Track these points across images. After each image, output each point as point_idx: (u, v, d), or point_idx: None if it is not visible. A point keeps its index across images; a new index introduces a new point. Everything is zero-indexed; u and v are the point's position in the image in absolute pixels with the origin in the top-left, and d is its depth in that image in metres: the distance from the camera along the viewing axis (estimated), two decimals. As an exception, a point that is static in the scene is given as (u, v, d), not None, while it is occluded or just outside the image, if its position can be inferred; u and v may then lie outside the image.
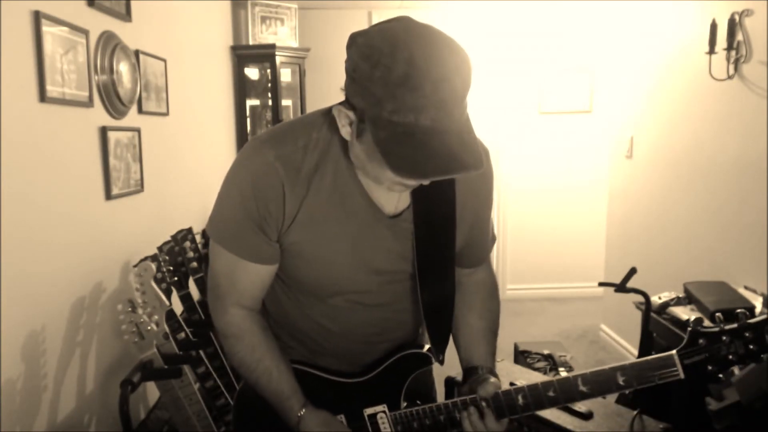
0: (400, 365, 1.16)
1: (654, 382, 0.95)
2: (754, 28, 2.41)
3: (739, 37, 2.47)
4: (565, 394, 0.99)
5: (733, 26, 2.47)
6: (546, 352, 3.00)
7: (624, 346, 3.61)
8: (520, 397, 1.03)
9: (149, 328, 1.90)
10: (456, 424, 1.08)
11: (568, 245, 4.85)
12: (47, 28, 1.79)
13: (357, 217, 1.05)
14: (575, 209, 4.81)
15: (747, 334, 0.92)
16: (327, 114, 1.03)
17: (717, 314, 0.95)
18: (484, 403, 1.05)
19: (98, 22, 2.14)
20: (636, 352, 2.44)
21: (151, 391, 2.50)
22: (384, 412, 1.12)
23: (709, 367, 0.94)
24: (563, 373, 2.89)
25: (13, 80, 1.66)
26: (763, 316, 0.93)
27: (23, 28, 1.72)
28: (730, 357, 0.93)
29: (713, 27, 2.56)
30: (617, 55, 3.73)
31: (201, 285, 2.52)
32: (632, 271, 2.17)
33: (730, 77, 2.54)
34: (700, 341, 0.94)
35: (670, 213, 3.10)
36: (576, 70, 4.67)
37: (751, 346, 0.92)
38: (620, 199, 3.70)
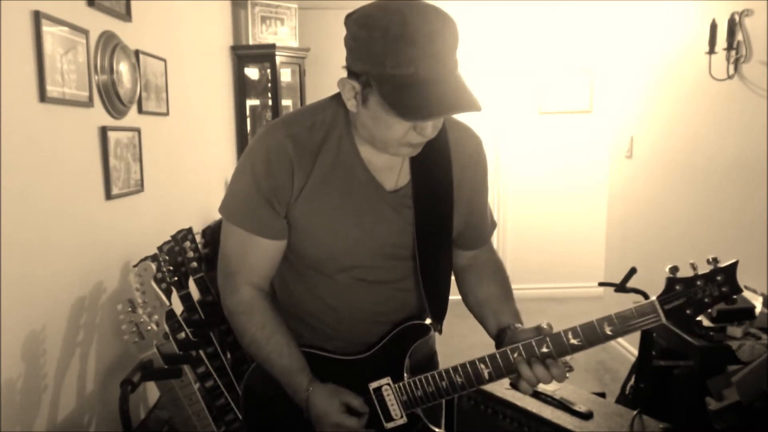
0: (401, 338, 1.19)
1: (640, 329, 1.04)
2: (754, 28, 2.41)
3: (739, 37, 2.47)
4: (557, 347, 1.05)
5: (733, 26, 2.48)
6: (546, 352, 2.99)
7: (624, 346, 3.61)
8: (516, 354, 1.07)
9: (149, 328, 1.90)
10: (457, 388, 1.11)
11: (568, 245, 4.84)
12: (47, 28, 1.79)
13: (358, 191, 1.12)
14: (575, 209, 4.81)
15: (719, 278, 1.00)
16: (333, 98, 1.13)
17: (692, 262, 1.02)
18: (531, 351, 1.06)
19: (98, 22, 2.14)
20: (636, 352, 2.44)
21: (151, 391, 2.50)
22: (388, 384, 1.15)
23: (688, 311, 1.01)
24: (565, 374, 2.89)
25: (13, 80, 1.66)
26: (733, 260, 1.01)
27: (23, 28, 1.72)
28: (706, 300, 1.00)
29: (713, 27, 2.56)
30: (617, 55, 3.73)
31: (201, 285, 2.52)
32: (632, 271, 2.18)
33: (730, 77, 2.54)
34: (677, 287, 1.01)
35: (670, 213, 3.10)
36: (576, 70, 4.66)
37: (724, 288, 1.00)
38: (620, 199, 3.71)
